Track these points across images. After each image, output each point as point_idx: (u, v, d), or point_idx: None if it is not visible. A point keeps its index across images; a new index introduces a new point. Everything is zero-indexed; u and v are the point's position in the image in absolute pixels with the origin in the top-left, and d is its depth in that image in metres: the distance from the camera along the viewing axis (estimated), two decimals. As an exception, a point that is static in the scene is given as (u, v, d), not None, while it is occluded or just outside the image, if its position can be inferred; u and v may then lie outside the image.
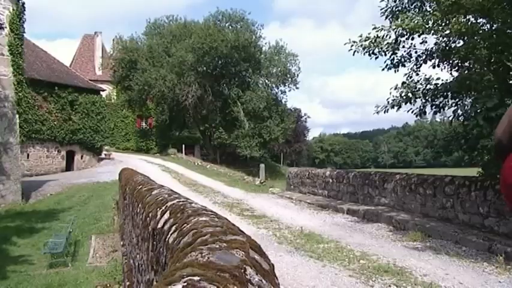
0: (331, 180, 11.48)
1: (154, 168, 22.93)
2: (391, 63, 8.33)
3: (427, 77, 8.21)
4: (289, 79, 35.09)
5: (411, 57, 8.32)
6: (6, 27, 15.54)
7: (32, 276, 8.36)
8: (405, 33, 7.55)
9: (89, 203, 14.85)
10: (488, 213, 6.20)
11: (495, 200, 6.06)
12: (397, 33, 7.62)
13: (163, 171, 22.03)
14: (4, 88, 15.63)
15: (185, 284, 0.91)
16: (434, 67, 8.26)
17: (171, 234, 1.72)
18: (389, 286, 4.32)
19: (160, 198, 2.83)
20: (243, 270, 1.03)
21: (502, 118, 2.21)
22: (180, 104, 32.86)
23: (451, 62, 8.06)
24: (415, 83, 8.21)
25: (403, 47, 8.04)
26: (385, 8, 8.29)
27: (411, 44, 8.05)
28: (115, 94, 39.90)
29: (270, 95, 34.61)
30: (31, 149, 21.67)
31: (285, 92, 37.72)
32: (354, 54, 7.92)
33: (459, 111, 7.77)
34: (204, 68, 33.22)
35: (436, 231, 6.46)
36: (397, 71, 8.40)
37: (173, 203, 2.31)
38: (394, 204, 8.70)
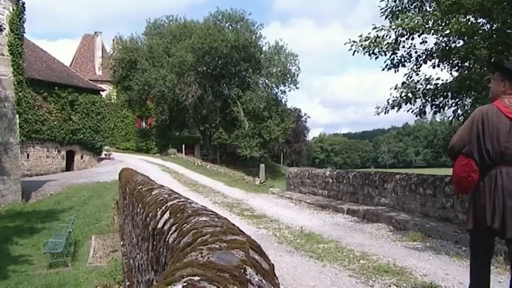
0: (331, 180, 11.48)
1: (154, 168, 22.93)
2: (391, 63, 8.33)
3: (427, 77, 8.22)
4: (289, 79, 35.13)
5: (411, 57, 8.33)
6: (5, 28, 15.54)
7: (32, 276, 8.37)
8: (405, 33, 7.55)
9: (89, 203, 14.85)
10: (488, 213, 6.18)
11: (495, 200, 6.05)
12: (397, 33, 7.62)
13: (163, 171, 22.03)
14: (4, 88, 15.64)
15: (185, 284, 0.91)
16: (434, 67, 8.26)
17: (171, 234, 1.72)
18: (389, 286, 4.32)
19: (160, 198, 2.83)
20: (243, 270, 1.03)
21: (458, 130, 3.21)
22: (180, 104, 32.87)
23: (451, 62, 8.06)
24: (415, 83, 8.21)
25: (403, 47, 8.05)
26: (385, 8, 8.30)
27: (411, 44, 8.06)
28: (115, 94, 39.91)
29: (270, 95, 34.64)
30: (31, 149, 21.68)
31: (285, 92, 37.79)
32: (353, 54, 7.92)
33: (459, 111, 7.79)
34: (204, 68, 33.24)
35: (436, 231, 6.45)
36: (397, 71, 8.41)
37: (173, 203, 2.31)
38: (394, 204, 8.70)
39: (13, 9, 16.01)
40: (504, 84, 2.99)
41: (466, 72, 7.89)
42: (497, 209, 2.86)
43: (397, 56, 8.23)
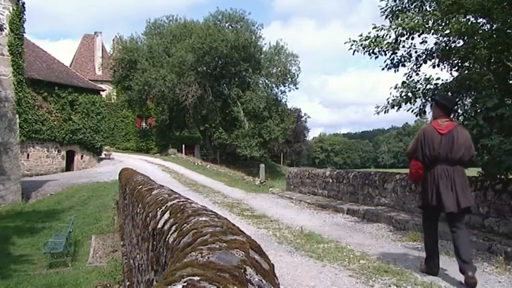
0: (331, 180, 11.48)
1: (154, 168, 22.93)
2: (391, 62, 8.32)
3: (427, 76, 8.20)
4: (289, 79, 35.11)
5: (411, 57, 8.31)
6: (5, 28, 15.54)
7: (32, 276, 8.37)
8: (405, 32, 7.55)
9: (89, 203, 14.85)
10: (488, 213, 6.19)
11: (495, 200, 6.06)
12: (397, 32, 7.61)
13: (163, 171, 22.04)
14: (4, 88, 15.64)
15: (185, 284, 0.91)
16: (434, 67, 8.25)
17: (171, 234, 1.72)
18: (389, 286, 4.31)
19: (160, 198, 2.83)
20: (243, 270, 1.03)
21: (411, 142, 4.71)
22: (180, 104, 32.87)
23: (451, 61, 8.05)
24: (415, 82, 8.20)
25: (403, 46, 8.03)
26: (385, 8, 8.29)
27: (411, 43, 8.05)
28: (115, 94, 39.91)
29: (270, 95, 34.63)
30: (31, 149, 21.68)
31: (285, 92, 37.76)
32: (353, 54, 7.91)
33: (459, 111, 7.77)
34: (204, 68, 33.23)
35: (436, 231, 6.45)
36: (397, 70, 8.40)
37: (173, 203, 2.31)
38: (394, 204, 8.70)
39: (13, 9, 16.00)
40: (439, 111, 4.60)
41: (466, 72, 7.88)
42: (434, 192, 4.38)
43: (397, 56, 8.22)
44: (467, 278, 4.14)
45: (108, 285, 7.13)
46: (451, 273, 4.70)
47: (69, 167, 24.27)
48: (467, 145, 4.44)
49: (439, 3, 6.92)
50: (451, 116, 4.82)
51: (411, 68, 8.41)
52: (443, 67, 8.18)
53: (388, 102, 8.15)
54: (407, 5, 8.11)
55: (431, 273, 4.59)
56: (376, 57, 8.04)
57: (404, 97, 8.00)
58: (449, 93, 7.98)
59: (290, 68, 35.05)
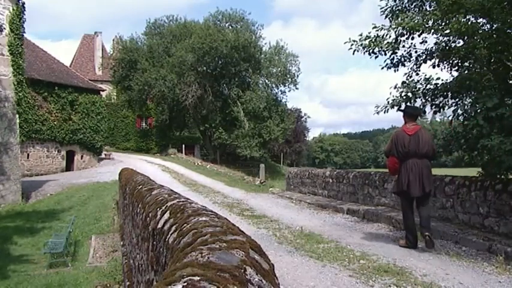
0: (331, 180, 11.48)
1: (154, 168, 22.93)
2: (391, 62, 8.31)
3: (427, 76, 8.19)
4: (289, 79, 35.09)
5: (411, 57, 8.30)
6: (5, 28, 15.54)
7: (32, 276, 8.37)
8: (405, 32, 7.54)
9: (89, 203, 14.85)
10: (488, 213, 6.20)
11: (495, 200, 6.06)
12: (397, 32, 7.61)
13: (163, 171, 22.04)
14: (4, 88, 15.64)
15: (185, 284, 0.91)
16: (434, 67, 8.24)
17: (171, 234, 1.72)
18: (389, 286, 4.31)
19: (160, 198, 2.83)
20: (243, 270, 1.03)
21: (387, 143, 6.33)
22: (180, 104, 32.86)
23: (451, 61, 8.04)
24: (415, 82, 8.20)
25: (403, 46, 8.02)
26: (385, 8, 8.28)
27: (411, 43, 8.04)
28: (115, 94, 39.89)
29: (270, 95, 34.61)
30: (31, 149, 21.68)
31: (285, 92, 37.72)
32: (353, 53, 7.90)
33: (459, 111, 7.76)
34: (204, 68, 33.22)
35: (436, 231, 6.44)
36: (397, 70, 8.39)
37: (173, 203, 2.31)
38: (394, 204, 8.70)
39: (13, 9, 16.00)
40: (407, 118, 5.99)
41: (466, 72, 7.88)
42: (406, 180, 5.67)
43: (397, 56, 8.21)
44: (425, 239, 5.56)
45: (108, 285, 7.13)
46: (451, 273, 4.70)
47: (69, 167, 24.27)
48: (430, 143, 5.76)
49: (439, 3, 6.92)
50: (416, 120, 6.14)
51: (411, 68, 8.41)
52: (443, 67, 8.18)
53: (388, 102, 8.15)
54: (407, 5, 8.11)
55: (410, 246, 5.76)
56: (376, 57, 8.04)
57: (404, 97, 7.99)
58: (449, 93, 8.01)
59: (290, 68, 35.04)
